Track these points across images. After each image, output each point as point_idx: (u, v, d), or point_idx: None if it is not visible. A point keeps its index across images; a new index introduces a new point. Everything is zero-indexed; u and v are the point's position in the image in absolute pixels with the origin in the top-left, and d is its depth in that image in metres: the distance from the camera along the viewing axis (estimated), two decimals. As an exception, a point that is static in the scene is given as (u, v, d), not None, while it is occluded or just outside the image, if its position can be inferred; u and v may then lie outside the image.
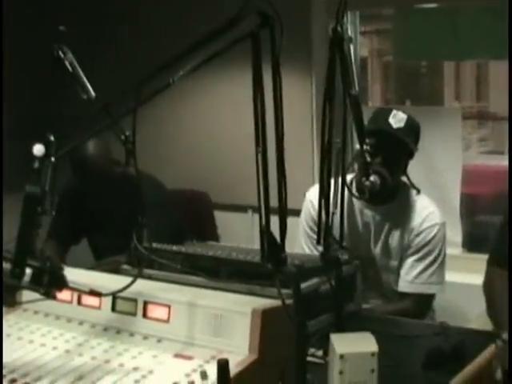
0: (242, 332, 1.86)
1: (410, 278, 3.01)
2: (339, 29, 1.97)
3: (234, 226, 3.61)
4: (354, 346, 1.71)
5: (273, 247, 1.81)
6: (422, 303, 3.05)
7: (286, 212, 1.80)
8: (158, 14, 4.75)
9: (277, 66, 1.72)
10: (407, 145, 2.98)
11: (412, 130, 3.02)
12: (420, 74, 6.94)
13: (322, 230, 2.10)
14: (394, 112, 2.98)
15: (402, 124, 2.95)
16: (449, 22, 3.94)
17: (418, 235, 3.02)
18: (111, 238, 3.39)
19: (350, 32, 2.07)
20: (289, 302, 1.85)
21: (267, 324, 1.85)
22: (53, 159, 1.74)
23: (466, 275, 3.60)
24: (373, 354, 1.67)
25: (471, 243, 4.12)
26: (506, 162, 4.96)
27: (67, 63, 2.14)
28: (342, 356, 1.67)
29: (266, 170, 1.76)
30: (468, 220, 4.21)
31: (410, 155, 3.06)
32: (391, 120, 2.94)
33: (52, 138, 1.77)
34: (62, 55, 2.12)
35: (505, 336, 2.22)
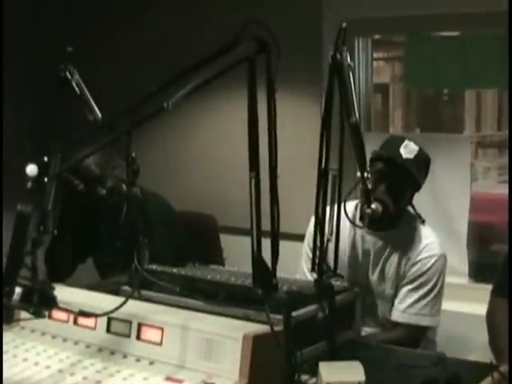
0: (233, 357, 1.86)
1: (402, 307, 2.97)
2: (338, 56, 1.98)
3: (241, 250, 3.59)
4: (340, 374, 1.70)
5: (264, 273, 1.81)
6: (414, 334, 2.98)
7: (277, 237, 1.80)
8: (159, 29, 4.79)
9: (272, 92, 1.72)
10: (414, 177, 2.96)
11: (421, 162, 2.99)
12: (442, 101, 6.91)
13: (317, 256, 2.09)
14: (406, 142, 2.95)
15: (411, 155, 2.93)
16: (459, 50, 3.91)
17: (414, 265, 2.97)
18: (116, 258, 3.37)
19: (350, 58, 2.07)
20: (280, 328, 1.84)
21: (258, 349, 1.85)
22: (46, 179, 1.75)
23: (472, 305, 3.55)
24: (359, 384, 1.66)
25: (478, 273, 4.06)
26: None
27: (74, 84, 2.15)
28: (328, 384, 1.66)
29: (258, 196, 1.76)
30: (475, 249, 4.15)
31: (417, 188, 3.03)
32: (402, 150, 2.92)
33: (46, 159, 1.78)
34: (69, 76, 2.13)
35: (503, 368, 2.21)
